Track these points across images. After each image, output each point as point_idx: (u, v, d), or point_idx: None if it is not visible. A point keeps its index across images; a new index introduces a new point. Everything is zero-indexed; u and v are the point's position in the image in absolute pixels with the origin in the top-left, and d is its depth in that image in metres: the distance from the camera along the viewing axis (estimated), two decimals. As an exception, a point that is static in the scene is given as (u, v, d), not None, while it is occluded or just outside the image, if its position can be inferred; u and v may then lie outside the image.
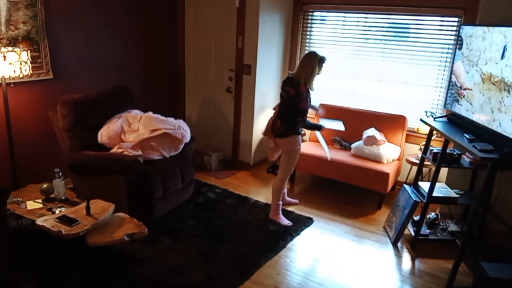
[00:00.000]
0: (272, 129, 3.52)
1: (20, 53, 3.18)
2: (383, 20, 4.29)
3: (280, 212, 3.67)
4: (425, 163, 3.63)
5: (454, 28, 3.92)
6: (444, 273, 2.99)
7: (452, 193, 3.30)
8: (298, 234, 3.47)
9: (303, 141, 3.68)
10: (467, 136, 2.90)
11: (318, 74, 3.34)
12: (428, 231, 3.43)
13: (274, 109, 3.60)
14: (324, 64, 3.34)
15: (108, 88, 3.81)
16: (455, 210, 3.64)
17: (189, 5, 4.81)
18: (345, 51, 4.58)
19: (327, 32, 4.66)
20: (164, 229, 3.37)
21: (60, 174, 3.15)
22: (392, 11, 4.19)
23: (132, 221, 2.80)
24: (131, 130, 3.49)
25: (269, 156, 3.78)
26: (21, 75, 3.22)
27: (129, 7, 4.30)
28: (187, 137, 3.66)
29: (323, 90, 4.80)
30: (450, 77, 3.50)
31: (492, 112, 2.88)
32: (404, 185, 3.61)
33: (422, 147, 3.68)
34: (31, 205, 3.03)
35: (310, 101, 3.37)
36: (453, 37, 3.92)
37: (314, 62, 3.26)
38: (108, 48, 4.19)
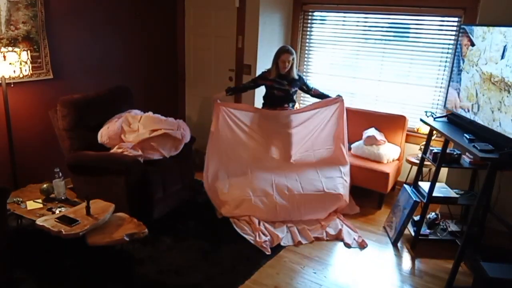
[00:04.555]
0: None
1: (20, 53, 3.18)
2: (383, 20, 4.29)
3: None
4: (425, 163, 3.63)
5: (454, 28, 3.92)
6: (444, 273, 2.99)
7: (452, 193, 3.30)
8: (298, 234, 3.46)
9: None
10: (467, 136, 2.90)
11: (281, 63, 3.75)
12: (428, 231, 3.43)
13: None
14: (282, 54, 3.74)
15: (108, 88, 3.81)
16: (455, 210, 3.64)
17: (189, 5, 4.80)
18: (345, 51, 4.58)
19: (327, 32, 4.66)
20: (164, 229, 3.37)
21: (60, 174, 3.15)
22: (392, 11, 4.18)
23: (132, 221, 2.79)
24: (131, 130, 3.49)
25: None
26: (21, 75, 3.22)
27: (129, 7, 4.30)
28: (187, 137, 3.66)
29: (323, 90, 4.78)
30: (450, 77, 3.50)
31: (492, 112, 2.88)
32: (404, 185, 3.61)
33: (422, 147, 3.68)
34: (31, 205, 3.03)
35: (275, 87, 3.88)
36: (453, 37, 3.92)
37: (274, 55, 3.81)
38: (108, 48, 4.19)
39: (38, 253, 2.95)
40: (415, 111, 4.21)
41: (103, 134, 3.48)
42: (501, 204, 3.22)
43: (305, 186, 3.67)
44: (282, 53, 3.74)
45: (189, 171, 3.78)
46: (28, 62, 3.26)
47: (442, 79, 4.05)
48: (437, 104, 4.12)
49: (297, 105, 4.11)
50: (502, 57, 2.80)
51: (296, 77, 3.88)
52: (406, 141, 4.24)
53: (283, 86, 3.86)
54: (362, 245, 3.31)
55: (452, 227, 3.45)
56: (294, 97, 3.99)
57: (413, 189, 3.47)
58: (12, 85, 3.36)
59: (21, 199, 3.08)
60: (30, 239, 3.06)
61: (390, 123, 4.21)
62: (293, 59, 3.77)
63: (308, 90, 3.98)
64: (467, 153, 3.21)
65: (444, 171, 3.56)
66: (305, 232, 3.41)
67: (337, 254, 3.21)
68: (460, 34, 3.37)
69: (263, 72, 3.95)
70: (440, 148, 3.19)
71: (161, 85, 4.91)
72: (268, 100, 3.98)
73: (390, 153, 4.03)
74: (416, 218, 3.42)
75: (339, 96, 3.91)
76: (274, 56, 3.82)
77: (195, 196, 3.98)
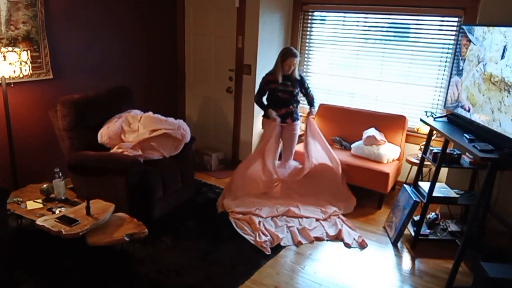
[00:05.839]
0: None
1: (20, 53, 3.18)
2: (383, 20, 4.29)
3: None
4: (425, 163, 3.63)
5: (454, 28, 3.92)
6: (444, 273, 2.99)
7: (452, 193, 3.30)
8: (298, 234, 3.47)
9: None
10: (467, 136, 2.90)
11: (286, 66, 3.80)
12: (428, 231, 3.43)
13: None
14: (288, 57, 3.78)
15: (108, 88, 3.81)
16: (455, 210, 3.64)
17: (189, 5, 4.81)
18: (345, 51, 4.58)
19: (327, 32, 4.66)
20: (164, 229, 3.37)
21: (60, 174, 3.15)
22: (392, 11, 4.18)
23: (132, 221, 2.79)
24: (131, 130, 3.49)
25: None
26: (21, 75, 3.22)
27: (129, 7, 4.30)
28: (187, 137, 3.66)
29: (323, 90, 4.80)
30: (450, 77, 3.50)
31: (492, 112, 2.88)
32: (404, 185, 3.61)
33: (422, 147, 3.68)
34: (31, 205, 3.03)
35: (280, 89, 3.91)
36: (453, 37, 3.92)
37: (278, 56, 3.84)
38: (108, 48, 4.19)
39: (38, 253, 2.95)
40: (415, 111, 4.21)
41: (103, 134, 3.48)
42: (501, 204, 3.22)
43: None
44: (288, 56, 3.78)
45: (189, 171, 3.77)
46: (28, 62, 3.26)
47: (442, 79, 4.04)
48: (437, 104, 4.12)
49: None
50: (502, 57, 2.80)
51: (298, 77, 3.94)
52: (406, 141, 4.24)
53: (287, 88, 3.90)
54: (362, 245, 3.32)
55: (452, 227, 3.45)
56: (298, 97, 4.02)
57: (413, 189, 3.47)
58: (12, 85, 3.36)
59: (21, 199, 3.08)
60: (30, 239, 3.06)
61: (390, 123, 4.21)
62: (297, 61, 3.84)
63: (306, 94, 4.05)
64: (467, 153, 3.21)
65: (444, 171, 3.56)
66: (305, 232, 3.41)
67: (337, 254, 3.20)
68: (460, 35, 3.37)
69: (267, 76, 3.94)
70: (440, 148, 3.19)
71: (161, 85, 4.91)
72: (273, 103, 3.98)
73: (390, 153, 4.03)
74: (416, 218, 3.42)
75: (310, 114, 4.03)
76: (279, 58, 3.83)
77: (195, 196, 3.98)
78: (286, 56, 3.79)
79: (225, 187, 4.02)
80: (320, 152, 4.01)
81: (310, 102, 4.10)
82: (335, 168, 3.96)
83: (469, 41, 3.20)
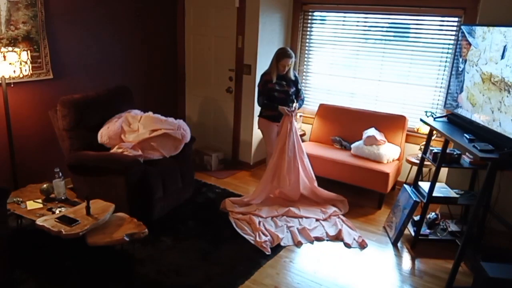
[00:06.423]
0: None
1: (20, 53, 3.18)
2: (383, 20, 4.29)
3: None
4: (425, 163, 3.63)
5: (454, 28, 3.92)
6: (444, 273, 2.99)
7: (452, 193, 3.30)
8: (298, 234, 3.46)
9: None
10: (467, 136, 2.90)
11: (281, 66, 3.82)
12: (428, 231, 3.43)
13: None
14: (282, 58, 3.80)
15: (108, 88, 3.82)
16: (455, 210, 3.64)
17: (189, 5, 4.81)
18: (345, 51, 4.58)
19: (327, 32, 4.66)
20: (164, 229, 3.37)
21: (60, 174, 3.15)
22: (392, 11, 4.19)
23: (132, 221, 2.79)
24: (131, 130, 3.49)
25: None
26: (21, 75, 3.22)
27: (129, 7, 4.30)
28: (187, 137, 3.66)
29: (323, 90, 4.80)
30: (450, 77, 3.50)
31: (492, 112, 2.88)
32: (404, 185, 3.61)
33: (422, 147, 3.68)
34: (31, 205, 3.03)
35: (276, 89, 3.89)
36: (453, 37, 3.92)
37: (273, 56, 3.86)
38: (108, 48, 4.19)
39: (38, 253, 2.95)
40: (415, 111, 4.21)
41: (103, 134, 3.48)
42: (501, 204, 3.22)
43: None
44: (283, 57, 3.79)
45: (189, 171, 3.77)
46: (28, 62, 3.26)
47: (442, 79, 4.05)
48: (437, 104, 4.12)
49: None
50: (502, 57, 2.80)
51: (293, 78, 3.96)
52: (406, 141, 4.24)
53: (283, 88, 3.91)
54: (362, 245, 3.32)
55: (452, 227, 3.45)
56: (294, 97, 4.01)
57: (413, 189, 3.47)
58: (12, 85, 3.36)
59: (21, 199, 3.08)
60: (30, 239, 3.06)
61: (390, 123, 4.21)
62: (292, 62, 3.85)
63: (297, 95, 4.03)
64: (467, 153, 3.21)
65: (444, 171, 3.56)
66: (305, 232, 3.42)
67: (337, 254, 3.20)
68: (461, 35, 3.38)
69: (265, 76, 3.93)
70: (440, 148, 3.19)
71: (161, 85, 4.91)
72: (270, 102, 3.98)
73: (390, 153, 4.03)
74: (416, 218, 3.42)
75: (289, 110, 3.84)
76: (274, 58, 3.85)
77: (195, 196, 3.98)
78: (281, 56, 3.81)
79: (248, 196, 3.93)
80: (298, 167, 3.91)
81: (298, 102, 4.04)
82: (311, 185, 3.95)
83: (469, 44, 3.20)
